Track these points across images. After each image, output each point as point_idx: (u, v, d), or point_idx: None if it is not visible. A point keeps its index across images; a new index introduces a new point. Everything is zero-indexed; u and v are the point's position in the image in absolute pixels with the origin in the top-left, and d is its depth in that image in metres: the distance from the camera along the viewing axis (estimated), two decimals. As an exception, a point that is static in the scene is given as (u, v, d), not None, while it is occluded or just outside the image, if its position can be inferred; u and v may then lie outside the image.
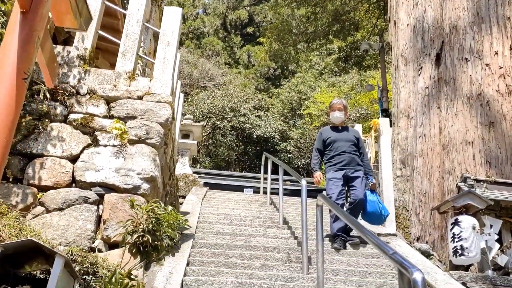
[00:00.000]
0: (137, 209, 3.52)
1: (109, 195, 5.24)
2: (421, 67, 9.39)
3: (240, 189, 18.14)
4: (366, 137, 10.24)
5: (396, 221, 8.18)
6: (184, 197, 10.85)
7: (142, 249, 3.33)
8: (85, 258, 3.52)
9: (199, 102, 29.56)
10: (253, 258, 5.96)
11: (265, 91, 37.81)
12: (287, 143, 29.32)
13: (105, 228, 4.96)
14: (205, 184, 15.99)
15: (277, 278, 5.24)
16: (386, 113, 16.86)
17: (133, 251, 3.34)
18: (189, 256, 5.82)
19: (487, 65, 8.63)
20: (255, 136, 29.56)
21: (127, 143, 5.56)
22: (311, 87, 32.55)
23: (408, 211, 8.65)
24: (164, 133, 5.84)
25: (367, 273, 5.63)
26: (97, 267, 3.60)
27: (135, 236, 3.26)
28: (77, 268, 3.40)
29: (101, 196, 5.26)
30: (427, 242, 7.84)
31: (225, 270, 5.30)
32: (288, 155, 28.81)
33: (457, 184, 7.42)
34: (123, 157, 5.46)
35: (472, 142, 8.28)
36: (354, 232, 6.65)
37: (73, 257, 3.53)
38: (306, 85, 32.89)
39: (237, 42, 44.40)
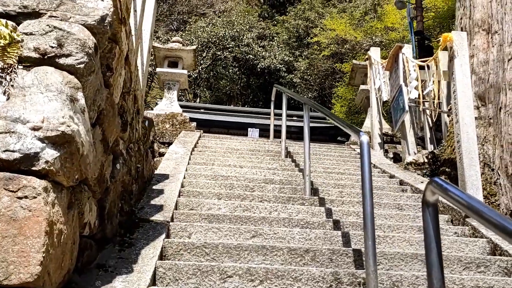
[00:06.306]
0: None
1: (-32, 177, 2.45)
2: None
3: (243, 127, 15.75)
4: (424, 61, 7.34)
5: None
6: (170, 144, 8.12)
7: None
8: None
9: (197, 30, 26.48)
10: (270, 279, 3.26)
11: (269, 18, 34.40)
12: (293, 75, 26.57)
13: None
14: (203, 122, 13.48)
15: None
16: (421, 36, 13.75)
17: None
18: (152, 283, 3.11)
19: None
20: (259, 69, 26.66)
21: (16, 65, 2.71)
22: (319, 13, 29.30)
23: (492, 170, 5.84)
24: (96, 45, 2.97)
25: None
26: None
27: None
28: None
29: (-47, 178, 2.48)
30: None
31: (219, 325, 2.61)
32: (295, 89, 26.01)
33: None
34: (5, 93, 2.64)
35: None
36: None
37: None
38: (314, 12, 29.56)
39: (239, -36, 40.30)
